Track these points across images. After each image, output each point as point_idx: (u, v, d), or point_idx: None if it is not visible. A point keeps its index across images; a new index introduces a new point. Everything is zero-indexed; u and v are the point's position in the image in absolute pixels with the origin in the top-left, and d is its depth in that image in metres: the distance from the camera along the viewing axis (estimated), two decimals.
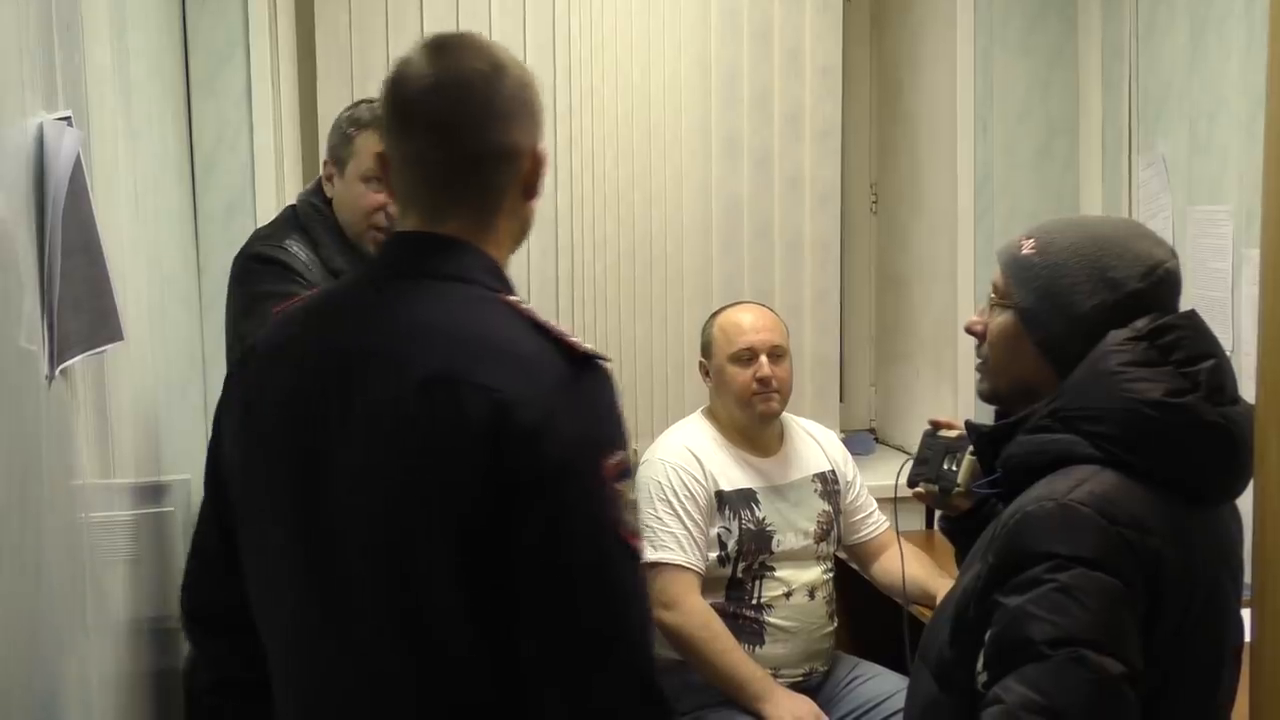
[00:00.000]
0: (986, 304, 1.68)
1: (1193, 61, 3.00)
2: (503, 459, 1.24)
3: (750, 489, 2.78)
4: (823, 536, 2.83)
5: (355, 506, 1.30)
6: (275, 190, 3.14)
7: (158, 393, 2.42)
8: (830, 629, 2.83)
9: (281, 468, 1.35)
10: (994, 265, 1.67)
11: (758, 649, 2.71)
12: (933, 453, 2.02)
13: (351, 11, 3.34)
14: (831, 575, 2.85)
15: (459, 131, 1.35)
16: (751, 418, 2.80)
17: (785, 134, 3.61)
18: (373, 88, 3.25)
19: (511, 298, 1.37)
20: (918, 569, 2.76)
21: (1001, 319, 1.63)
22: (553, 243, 3.45)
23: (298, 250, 2.30)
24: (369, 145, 2.29)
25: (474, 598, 1.26)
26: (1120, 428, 1.48)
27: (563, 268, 3.47)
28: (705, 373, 2.89)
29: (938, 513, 2.06)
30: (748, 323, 2.83)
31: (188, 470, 2.31)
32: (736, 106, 3.56)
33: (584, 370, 1.31)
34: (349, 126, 2.35)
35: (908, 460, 2.09)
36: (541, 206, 1.58)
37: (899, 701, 2.41)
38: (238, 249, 2.38)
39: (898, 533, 2.53)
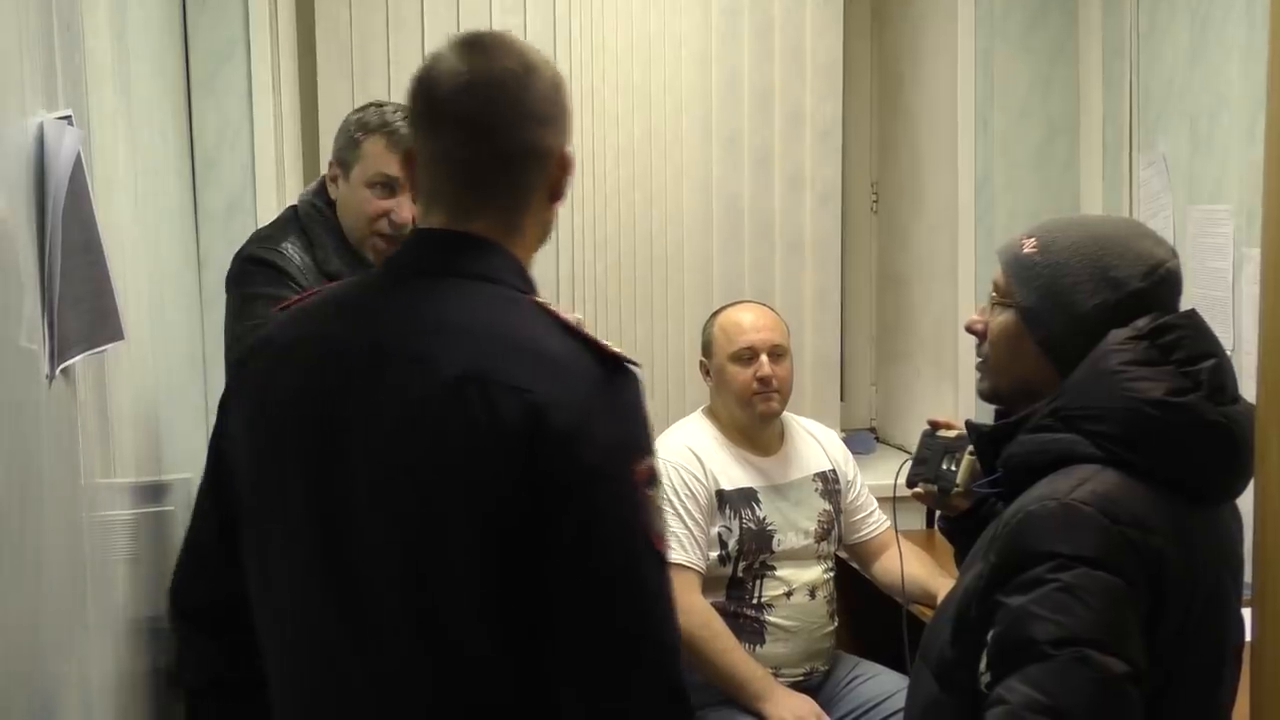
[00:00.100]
0: (987, 303, 1.68)
1: (1194, 60, 3.00)
2: (536, 461, 1.23)
3: (751, 488, 2.78)
4: (823, 536, 2.83)
5: (374, 504, 1.29)
6: (275, 189, 3.14)
7: (158, 392, 2.41)
8: (831, 628, 2.83)
9: (295, 465, 1.34)
10: (995, 264, 1.67)
11: (758, 648, 2.71)
12: (931, 453, 2.02)
13: (352, 9, 3.34)
14: (832, 575, 2.85)
15: (490, 131, 1.34)
16: (752, 417, 2.80)
17: (786, 133, 3.60)
18: (374, 85, 3.29)
19: (540, 299, 1.36)
20: (918, 568, 2.76)
21: (1002, 318, 1.63)
22: (553, 242, 3.40)
23: (293, 253, 2.29)
24: (375, 150, 2.29)
25: (496, 598, 1.26)
26: (1122, 427, 1.48)
27: (563, 267, 3.48)
28: (706, 372, 2.89)
29: (937, 512, 2.05)
30: (748, 322, 2.83)
31: (188, 469, 2.31)
32: (737, 105, 3.56)
33: (616, 374, 1.31)
34: (356, 131, 2.32)
35: (906, 460, 2.09)
36: None
37: (899, 701, 2.41)
38: (238, 248, 2.38)
39: (897, 532, 2.53)
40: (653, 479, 1.30)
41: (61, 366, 1.47)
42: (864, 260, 4.07)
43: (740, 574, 2.74)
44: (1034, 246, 1.60)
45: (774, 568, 2.75)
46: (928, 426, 2.07)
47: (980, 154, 3.51)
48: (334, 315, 1.39)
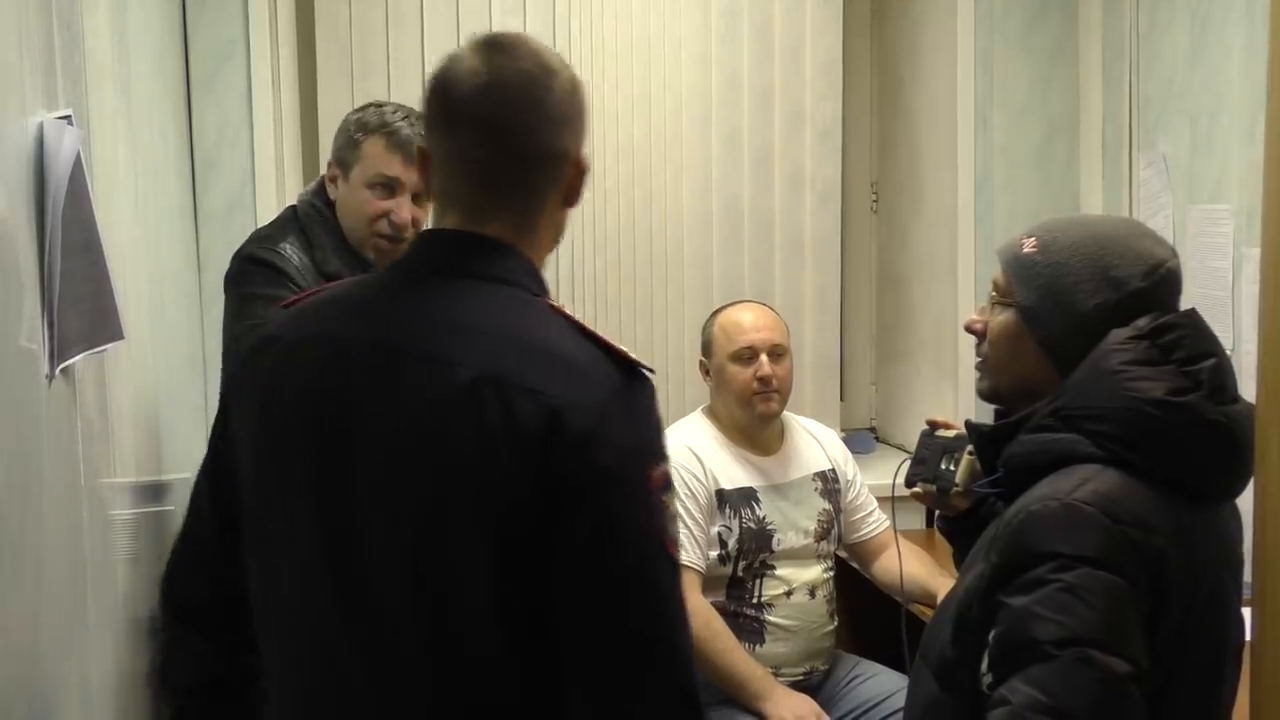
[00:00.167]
0: (987, 302, 1.68)
1: (1194, 60, 3.00)
2: (551, 464, 1.23)
3: (751, 488, 2.78)
4: (823, 535, 2.83)
5: (379, 504, 1.28)
6: (275, 189, 3.14)
7: (158, 392, 2.41)
8: (831, 628, 2.83)
9: (298, 464, 1.33)
10: (994, 264, 1.67)
11: (758, 648, 2.71)
12: (930, 452, 2.02)
13: (352, 8, 3.34)
14: (832, 574, 2.85)
15: (508, 133, 1.34)
16: (752, 417, 2.80)
17: (786, 132, 3.60)
18: (374, 84, 3.29)
19: (555, 303, 1.36)
20: (918, 568, 2.76)
21: (1003, 318, 1.63)
22: None
23: (292, 253, 2.28)
24: (375, 151, 2.28)
25: (505, 598, 1.26)
26: (1122, 427, 1.48)
27: (562, 266, 3.47)
28: (705, 372, 2.89)
29: (937, 512, 2.06)
30: (748, 321, 2.83)
31: (188, 469, 2.30)
32: (737, 105, 3.56)
33: (632, 379, 1.30)
34: (356, 131, 2.31)
35: (905, 460, 2.09)
36: None
37: (899, 701, 2.41)
38: (238, 247, 2.38)
39: (896, 532, 2.53)
40: (667, 484, 1.30)
41: (61, 366, 1.47)
42: (864, 260, 4.07)
43: (740, 573, 2.74)
44: (1034, 246, 1.60)
45: (774, 567, 2.75)
46: (926, 426, 2.07)
47: (980, 153, 3.51)
48: (340, 314, 1.38)
